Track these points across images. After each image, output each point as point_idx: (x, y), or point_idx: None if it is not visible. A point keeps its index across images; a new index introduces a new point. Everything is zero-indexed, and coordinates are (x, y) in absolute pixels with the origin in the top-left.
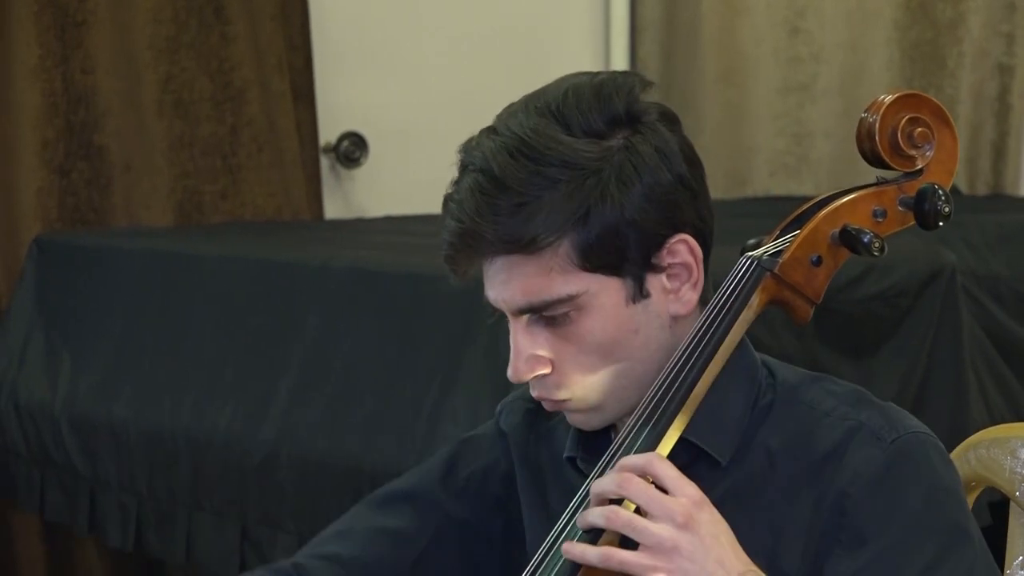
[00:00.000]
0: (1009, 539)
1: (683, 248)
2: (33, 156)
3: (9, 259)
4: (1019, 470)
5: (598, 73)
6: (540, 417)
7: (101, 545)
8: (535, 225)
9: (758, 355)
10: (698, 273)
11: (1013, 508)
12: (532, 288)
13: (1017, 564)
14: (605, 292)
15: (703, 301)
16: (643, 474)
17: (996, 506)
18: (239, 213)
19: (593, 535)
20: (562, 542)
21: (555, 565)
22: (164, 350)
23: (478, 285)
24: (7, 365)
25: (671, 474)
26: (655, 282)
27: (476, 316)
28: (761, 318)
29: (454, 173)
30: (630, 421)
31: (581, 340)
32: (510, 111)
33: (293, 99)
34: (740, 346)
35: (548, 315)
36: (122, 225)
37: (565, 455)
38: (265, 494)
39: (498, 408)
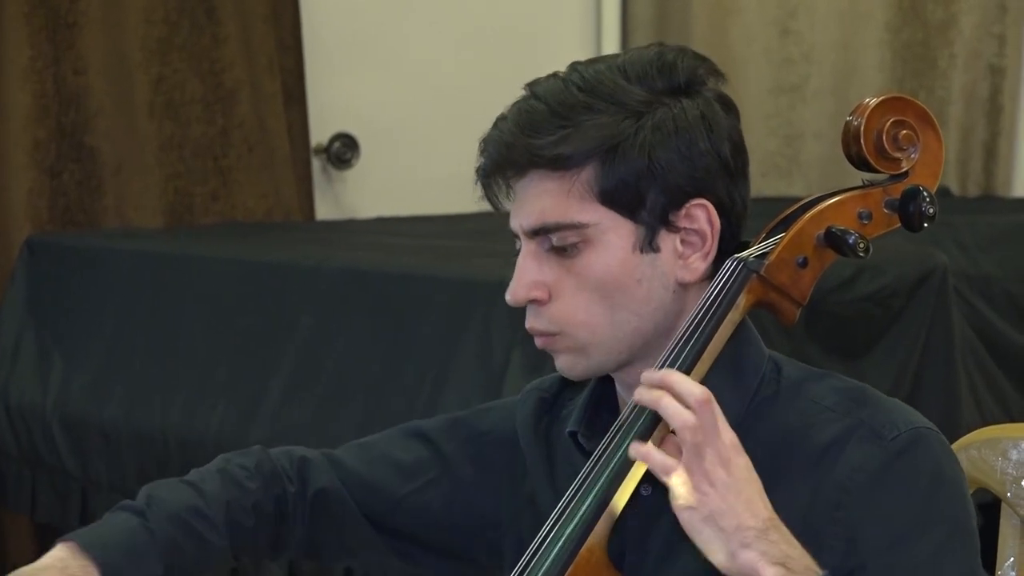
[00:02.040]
0: (1000, 540)
1: (702, 215)
2: (24, 157)
3: (0, 260)
4: (1010, 471)
5: (672, 46)
6: (555, 405)
7: None
8: (566, 145)
9: (768, 351)
10: (711, 244)
11: (1004, 509)
12: (548, 207)
13: (1008, 565)
14: (616, 232)
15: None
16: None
17: (987, 507)
18: (230, 214)
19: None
20: (566, 519)
21: (560, 539)
22: (155, 351)
23: (468, 284)
24: None
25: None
26: (668, 240)
27: (467, 316)
28: (752, 319)
29: (446, 174)
30: (626, 409)
31: (582, 274)
32: (580, 60)
33: (284, 100)
34: (735, 344)
35: (557, 244)
36: (113, 226)
37: (568, 429)
38: None
39: (520, 394)
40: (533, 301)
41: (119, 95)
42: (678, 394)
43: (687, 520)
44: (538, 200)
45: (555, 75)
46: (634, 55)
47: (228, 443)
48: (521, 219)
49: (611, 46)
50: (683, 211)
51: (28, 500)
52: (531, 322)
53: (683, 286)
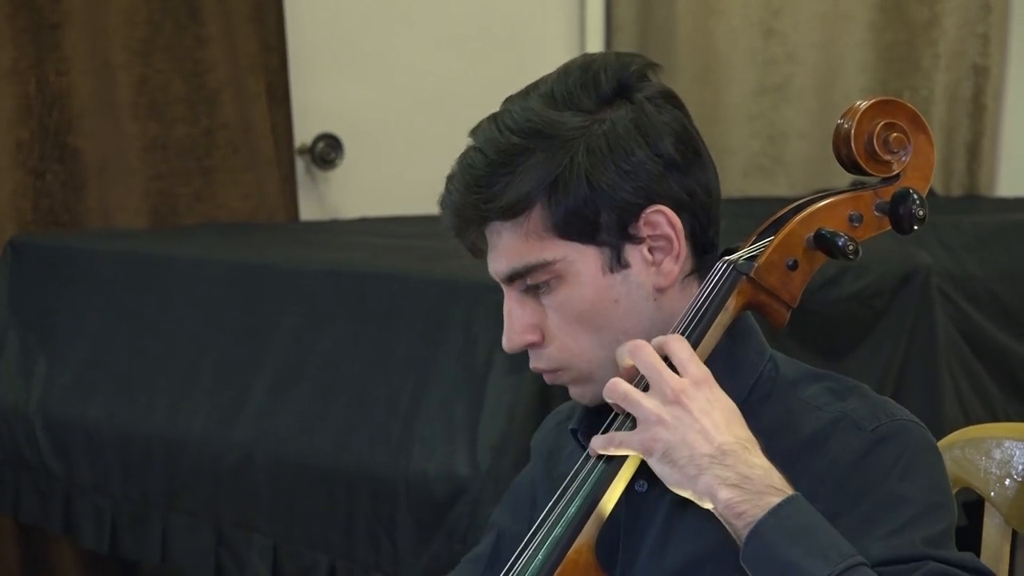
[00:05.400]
0: (984, 539)
1: (661, 220)
2: (7, 158)
3: None
4: (994, 471)
5: (597, 54)
6: (567, 420)
7: (77, 547)
8: (509, 192)
9: (770, 350)
10: (680, 245)
11: (988, 508)
12: (512, 254)
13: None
14: (582, 260)
15: (701, 276)
16: (660, 351)
17: (971, 507)
18: (214, 215)
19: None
20: (554, 520)
21: (547, 540)
22: (139, 352)
23: (451, 285)
24: None
25: (682, 356)
26: (635, 253)
27: (450, 316)
28: None
29: (430, 175)
30: (620, 417)
31: (563, 309)
32: (514, 94)
33: (268, 100)
34: (731, 343)
35: (532, 284)
36: (97, 227)
37: (570, 427)
38: (240, 496)
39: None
40: (530, 345)
41: (102, 96)
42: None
43: (652, 465)
44: (503, 249)
45: (492, 118)
46: (561, 75)
47: (212, 444)
48: (494, 267)
49: (595, 48)
50: (640, 221)
51: (11, 501)
52: (534, 364)
53: (662, 291)
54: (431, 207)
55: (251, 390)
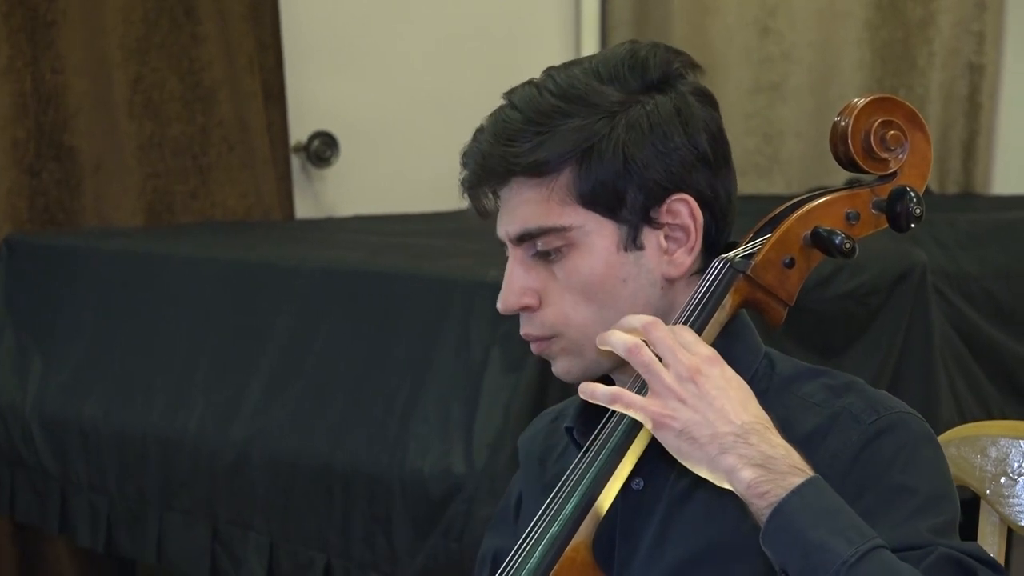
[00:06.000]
0: (979, 538)
1: (684, 209)
2: (3, 156)
3: None
4: (989, 468)
5: (644, 42)
6: (558, 418)
7: (73, 546)
8: (542, 150)
9: (764, 348)
10: (696, 238)
11: (983, 507)
12: (531, 214)
13: None
14: (598, 233)
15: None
16: None
17: (966, 505)
18: (210, 213)
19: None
20: (551, 518)
21: (544, 538)
22: (135, 350)
23: (447, 283)
24: None
25: (688, 338)
26: (651, 237)
27: (446, 315)
28: None
29: (425, 173)
30: (617, 414)
31: (569, 278)
32: (554, 66)
33: (264, 99)
34: (726, 340)
35: (543, 249)
36: (92, 225)
37: (565, 425)
38: (236, 494)
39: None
40: (524, 308)
41: (98, 94)
42: (622, 328)
43: (664, 441)
44: (520, 207)
45: (531, 82)
46: (607, 55)
47: (208, 443)
48: (506, 226)
49: (591, 47)
50: (664, 207)
51: (7, 500)
52: (525, 328)
53: (670, 281)
54: (427, 205)
55: (247, 388)
